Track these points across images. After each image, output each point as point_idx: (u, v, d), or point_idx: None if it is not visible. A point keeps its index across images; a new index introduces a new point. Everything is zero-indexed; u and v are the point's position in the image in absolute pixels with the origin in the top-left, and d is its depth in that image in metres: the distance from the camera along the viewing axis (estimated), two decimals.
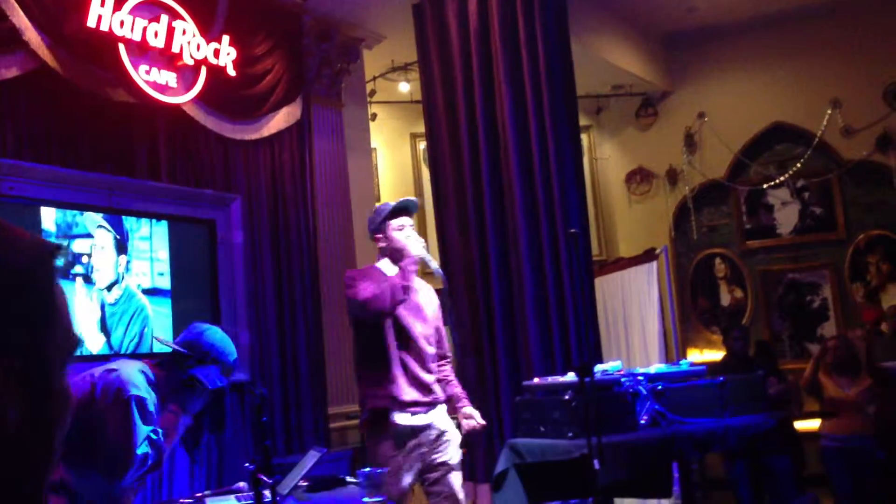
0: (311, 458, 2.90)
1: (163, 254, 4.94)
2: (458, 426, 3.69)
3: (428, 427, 3.55)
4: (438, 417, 3.62)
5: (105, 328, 4.57)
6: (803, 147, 7.44)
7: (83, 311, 4.47)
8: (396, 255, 3.62)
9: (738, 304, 7.57)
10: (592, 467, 3.05)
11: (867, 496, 4.89)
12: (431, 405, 3.58)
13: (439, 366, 3.75)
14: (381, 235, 3.68)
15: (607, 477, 3.63)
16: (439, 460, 3.58)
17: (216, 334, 2.84)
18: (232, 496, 2.97)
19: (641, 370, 4.54)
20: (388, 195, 8.00)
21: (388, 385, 3.48)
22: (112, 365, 2.72)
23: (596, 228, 7.83)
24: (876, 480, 4.84)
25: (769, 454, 5.42)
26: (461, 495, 3.62)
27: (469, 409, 3.71)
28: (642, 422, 4.24)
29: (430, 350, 3.64)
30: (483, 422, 3.74)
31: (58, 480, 2.56)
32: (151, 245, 4.89)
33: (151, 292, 4.84)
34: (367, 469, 2.67)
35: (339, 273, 6.09)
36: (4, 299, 0.65)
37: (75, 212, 4.52)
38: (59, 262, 0.70)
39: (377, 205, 3.79)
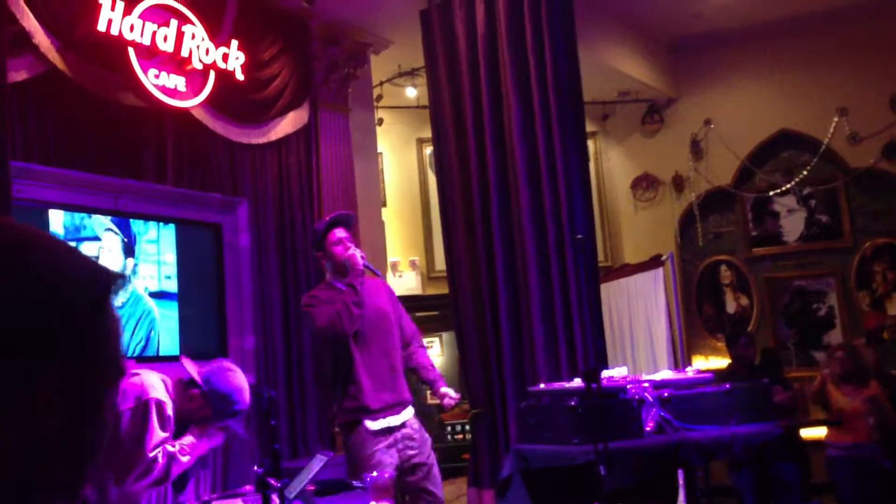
0: (317, 461, 2.90)
1: (170, 257, 4.95)
2: (441, 406, 3.87)
3: (402, 426, 3.71)
4: (410, 418, 3.77)
5: None
6: (809, 154, 7.43)
7: None
8: (339, 268, 3.76)
9: (744, 312, 7.55)
10: (598, 473, 3.05)
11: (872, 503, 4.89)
12: (402, 405, 3.73)
13: (410, 351, 3.86)
14: (321, 252, 3.84)
15: (613, 483, 3.63)
16: (416, 460, 3.71)
17: (233, 378, 2.87)
18: (238, 499, 2.97)
19: (647, 377, 4.53)
20: (395, 200, 8.02)
21: (358, 395, 3.63)
22: (134, 370, 2.76)
23: (602, 234, 7.83)
24: (881, 489, 4.83)
25: (775, 462, 5.41)
26: (441, 494, 3.73)
27: (445, 389, 3.85)
28: (648, 428, 4.23)
29: (395, 347, 3.78)
30: (457, 395, 3.87)
31: None
32: (159, 248, 4.90)
33: (158, 295, 4.85)
34: (374, 473, 2.67)
35: None
36: (67, 314, 0.69)
37: (83, 214, 4.53)
38: (118, 289, 0.74)
39: (315, 224, 3.98)
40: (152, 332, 4.77)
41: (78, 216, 4.51)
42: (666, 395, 4.34)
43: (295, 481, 2.84)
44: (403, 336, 3.89)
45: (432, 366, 3.98)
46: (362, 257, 3.75)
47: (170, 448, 2.65)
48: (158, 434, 2.64)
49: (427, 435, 3.85)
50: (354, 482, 3.26)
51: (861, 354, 5.17)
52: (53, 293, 0.69)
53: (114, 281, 0.74)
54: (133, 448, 2.58)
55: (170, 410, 2.70)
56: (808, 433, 5.82)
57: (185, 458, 2.70)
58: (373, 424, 3.62)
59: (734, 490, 5.68)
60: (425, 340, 4.24)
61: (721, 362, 6.84)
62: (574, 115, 5.73)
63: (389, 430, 3.66)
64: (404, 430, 3.70)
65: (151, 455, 2.61)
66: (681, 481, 4.95)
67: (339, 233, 3.80)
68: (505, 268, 5.57)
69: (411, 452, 3.69)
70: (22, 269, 0.68)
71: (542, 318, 5.50)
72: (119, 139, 4.82)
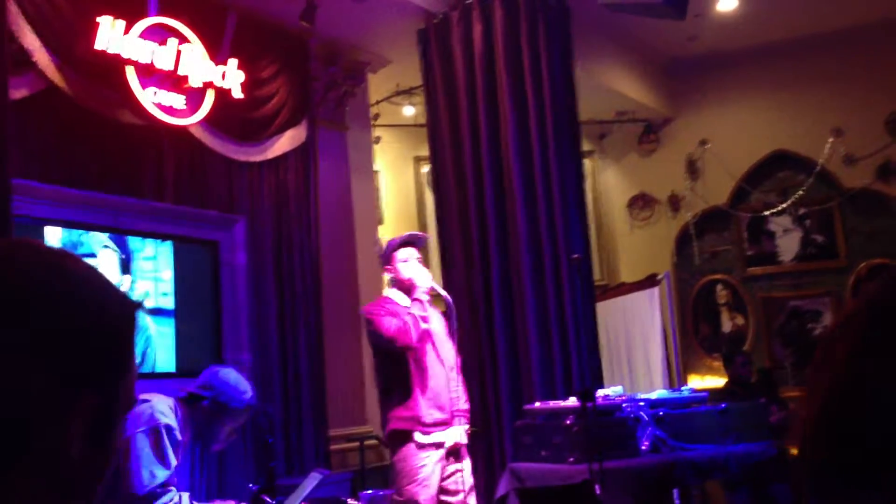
0: (312, 479, 2.90)
1: (167, 274, 4.96)
2: None
3: (451, 444, 3.78)
4: (459, 435, 3.83)
5: None
6: (805, 175, 7.47)
7: None
8: (403, 285, 3.89)
9: (739, 331, 7.56)
10: (594, 492, 3.05)
11: None
12: (451, 422, 3.80)
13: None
14: (389, 267, 3.97)
15: (608, 502, 3.62)
16: (457, 485, 3.77)
17: (229, 374, 2.90)
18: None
19: (643, 396, 4.53)
20: (391, 218, 8.03)
21: (412, 408, 3.71)
22: (144, 395, 2.78)
23: (598, 253, 7.84)
24: None
25: (770, 482, 5.40)
26: None
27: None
28: (643, 448, 4.23)
29: (450, 368, 3.86)
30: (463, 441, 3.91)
31: None
32: (156, 265, 4.91)
33: (155, 312, 4.85)
34: (370, 491, 2.68)
35: (341, 295, 6.11)
36: (101, 344, 0.70)
37: (80, 231, 4.54)
38: (140, 318, 0.76)
39: (388, 238, 4.07)
40: (148, 349, 4.77)
41: (75, 233, 4.52)
42: (661, 413, 4.34)
43: (290, 499, 2.83)
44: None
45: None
46: (430, 276, 3.90)
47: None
48: (172, 459, 2.66)
49: (469, 458, 3.91)
50: (349, 500, 3.26)
51: None
52: (95, 320, 0.70)
53: (138, 308, 0.76)
54: (146, 476, 2.59)
55: (179, 435, 2.72)
56: None
57: None
58: (423, 438, 3.70)
59: None
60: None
61: (716, 381, 6.84)
62: (570, 135, 5.76)
63: (438, 446, 3.72)
64: (452, 447, 3.78)
65: (166, 479, 2.62)
66: (676, 501, 4.94)
67: (409, 252, 3.92)
68: (501, 286, 5.58)
69: (453, 471, 3.77)
70: (65, 297, 0.68)
71: (538, 337, 5.50)
72: (117, 157, 4.84)
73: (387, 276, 4.12)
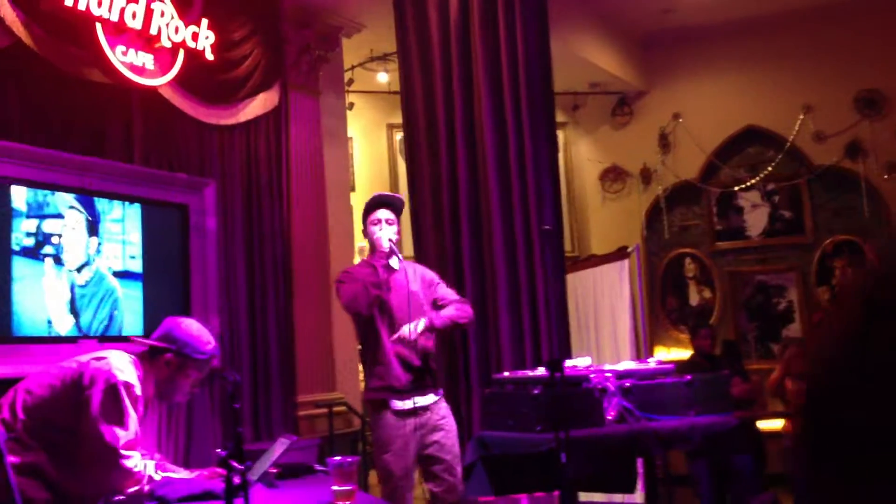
0: (280, 445, 2.90)
1: (135, 237, 4.90)
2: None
3: (427, 409, 3.71)
4: (436, 403, 3.77)
5: (74, 310, 4.53)
6: (774, 151, 7.54)
7: (53, 291, 4.43)
8: (373, 248, 3.83)
9: (707, 304, 7.66)
10: (559, 461, 3.08)
11: None
12: (430, 388, 3.75)
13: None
14: (364, 230, 3.90)
15: (573, 471, 3.67)
16: (438, 452, 3.70)
17: (191, 325, 2.86)
18: (197, 473, 2.96)
19: (610, 367, 4.58)
20: (364, 185, 7.99)
21: (384, 374, 3.67)
22: (100, 353, 2.73)
23: (569, 225, 7.88)
24: None
25: (732, 453, 5.50)
26: (461, 487, 3.72)
27: (411, 325, 3.73)
28: (609, 418, 4.29)
29: (423, 336, 3.75)
30: (414, 334, 3.72)
31: (31, 464, 2.54)
32: (123, 228, 4.85)
33: (122, 275, 4.80)
34: (338, 458, 2.68)
35: (312, 262, 6.09)
36: None
37: (46, 191, 4.46)
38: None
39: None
40: (115, 312, 4.72)
41: (41, 193, 4.44)
42: (628, 385, 4.40)
43: (257, 464, 2.83)
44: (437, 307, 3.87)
45: (444, 313, 3.85)
46: (391, 241, 3.75)
47: (152, 472, 2.66)
48: (133, 415, 2.62)
49: (454, 424, 3.83)
50: (317, 466, 3.27)
51: None
52: None
53: None
54: (108, 434, 2.56)
55: (139, 391, 2.68)
56: (765, 425, 5.93)
57: (157, 477, 2.70)
58: (399, 404, 3.65)
59: (691, 479, 5.78)
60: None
61: (683, 353, 6.94)
62: (544, 105, 5.75)
63: (415, 412, 3.67)
64: (430, 415, 3.71)
65: (133, 436, 2.59)
66: (640, 470, 5.03)
67: (381, 213, 3.82)
68: (472, 256, 5.59)
69: (434, 439, 3.70)
70: None
71: (507, 307, 5.53)
72: (85, 116, 4.75)
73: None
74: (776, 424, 5.72)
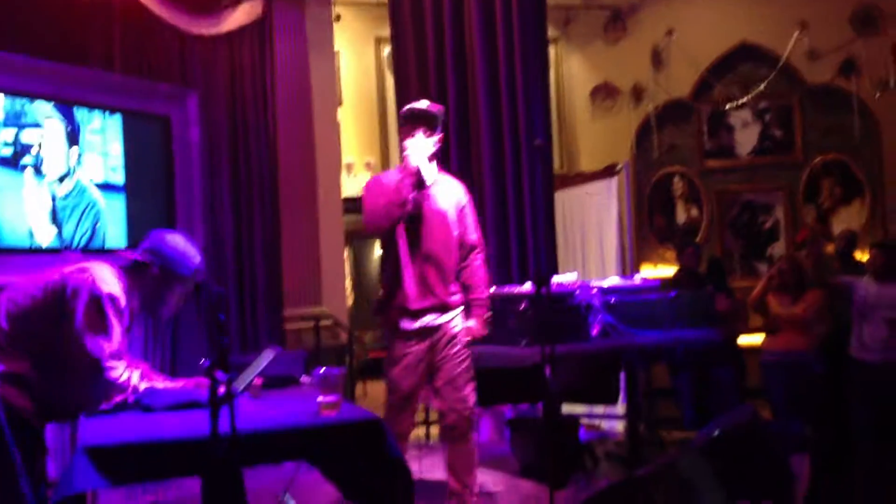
0: (265, 357, 2.91)
1: (116, 148, 4.82)
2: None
3: (439, 329, 3.58)
4: (451, 321, 3.61)
5: (56, 221, 4.48)
6: (768, 69, 7.43)
7: (33, 202, 4.37)
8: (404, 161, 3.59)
9: (694, 223, 7.67)
10: (543, 374, 3.12)
11: (800, 408, 5.11)
12: (443, 310, 3.59)
13: (465, 265, 3.70)
14: (400, 139, 3.67)
15: (557, 384, 3.71)
16: (448, 372, 3.58)
17: (177, 239, 2.81)
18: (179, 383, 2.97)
19: (596, 283, 4.61)
20: (351, 100, 7.86)
21: (399, 292, 3.55)
22: (83, 264, 2.69)
23: (559, 142, 7.80)
24: (810, 393, 5.03)
25: (713, 367, 5.60)
26: (468, 404, 3.60)
27: (470, 322, 3.68)
28: (594, 333, 4.33)
29: (448, 252, 3.61)
30: (479, 332, 3.69)
31: (15, 373, 2.54)
32: (104, 138, 4.77)
33: (104, 187, 4.74)
34: (323, 369, 2.69)
35: (298, 175, 6.03)
36: None
37: (24, 100, 4.36)
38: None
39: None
40: (98, 224, 4.68)
41: (19, 101, 4.34)
42: (613, 300, 4.43)
43: (243, 375, 2.85)
44: (463, 246, 3.70)
45: (479, 286, 3.74)
46: (419, 158, 3.53)
47: (137, 382, 2.65)
48: (118, 328, 2.61)
49: (460, 346, 3.64)
50: (303, 378, 3.29)
51: (802, 266, 5.31)
52: None
53: None
54: (92, 346, 2.55)
55: (124, 303, 2.66)
56: (745, 340, 6.01)
57: (142, 387, 2.69)
58: (409, 324, 3.55)
59: (673, 392, 5.89)
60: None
61: (669, 271, 6.98)
62: (536, 19, 5.63)
63: (426, 333, 3.55)
64: (441, 334, 3.58)
65: (116, 349, 2.59)
66: (622, 383, 5.12)
67: (412, 127, 3.57)
68: (460, 172, 5.54)
69: (444, 356, 3.58)
70: None
71: (495, 222, 5.52)
72: (65, 24, 4.63)
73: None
74: (756, 340, 5.80)
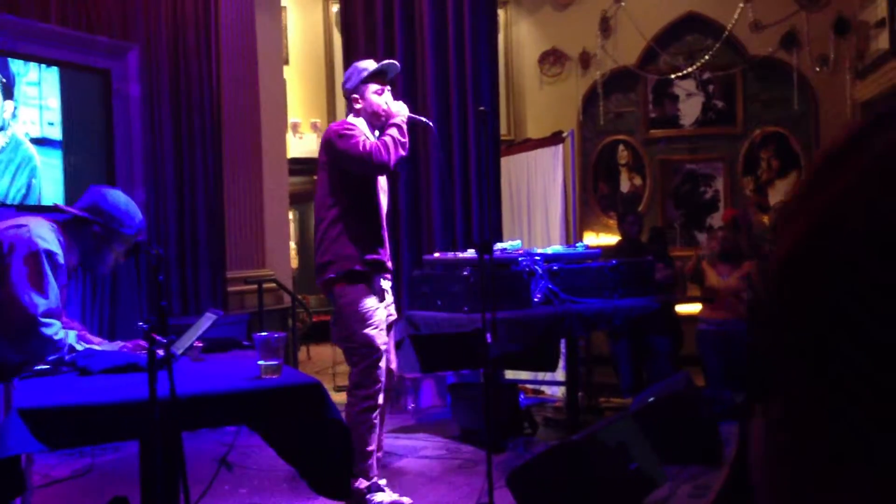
0: (206, 320, 2.88)
1: (53, 102, 4.67)
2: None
3: (389, 291, 3.71)
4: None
5: None
6: (712, 39, 7.52)
7: None
8: (375, 118, 3.57)
9: (637, 192, 7.78)
10: (484, 341, 3.16)
11: (734, 376, 5.27)
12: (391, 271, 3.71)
13: None
14: (357, 97, 3.60)
15: (498, 350, 3.76)
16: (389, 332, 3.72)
17: (119, 197, 2.76)
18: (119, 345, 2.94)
19: (539, 250, 4.66)
20: (297, 58, 7.74)
21: (376, 248, 3.53)
22: (20, 220, 2.63)
23: (506, 108, 7.80)
24: (743, 361, 5.20)
25: (650, 334, 5.73)
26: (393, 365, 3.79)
27: None
28: (536, 299, 4.40)
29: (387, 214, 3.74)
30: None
31: None
32: (40, 92, 4.61)
33: (41, 142, 4.60)
34: (264, 333, 2.68)
35: (242, 134, 5.93)
36: None
37: None
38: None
39: (356, 64, 3.66)
40: (34, 180, 4.55)
41: None
42: (555, 268, 4.49)
43: (182, 338, 2.82)
44: None
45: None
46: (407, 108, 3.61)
47: (74, 341, 2.60)
48: (54, 285, 2.56)
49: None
50: (245, 342, 3.27)
51: (738, 237, 5.45)
52: None
53: None
54: (28, 302, 2.50)
55: (61, 260, 2.61)
56: (682, 309, 6.15)
57: (79, 347, 2.64)
58: (383, 283, 3.60)
59: (611, 358, 6.02)
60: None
61: (612, 239, 7.09)
62: None
63: (383, 294, 3.63)
64: (388, 297, 3.69)
65: (55, 306, 2.54)
66: (563, 350, 5.21)
67: (385, 87, 3.60)
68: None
69: (391, 320, 3.71)
70: None
71: (439, 187, 5.52)
72: None
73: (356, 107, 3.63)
74: (693, 308, 5.94)
